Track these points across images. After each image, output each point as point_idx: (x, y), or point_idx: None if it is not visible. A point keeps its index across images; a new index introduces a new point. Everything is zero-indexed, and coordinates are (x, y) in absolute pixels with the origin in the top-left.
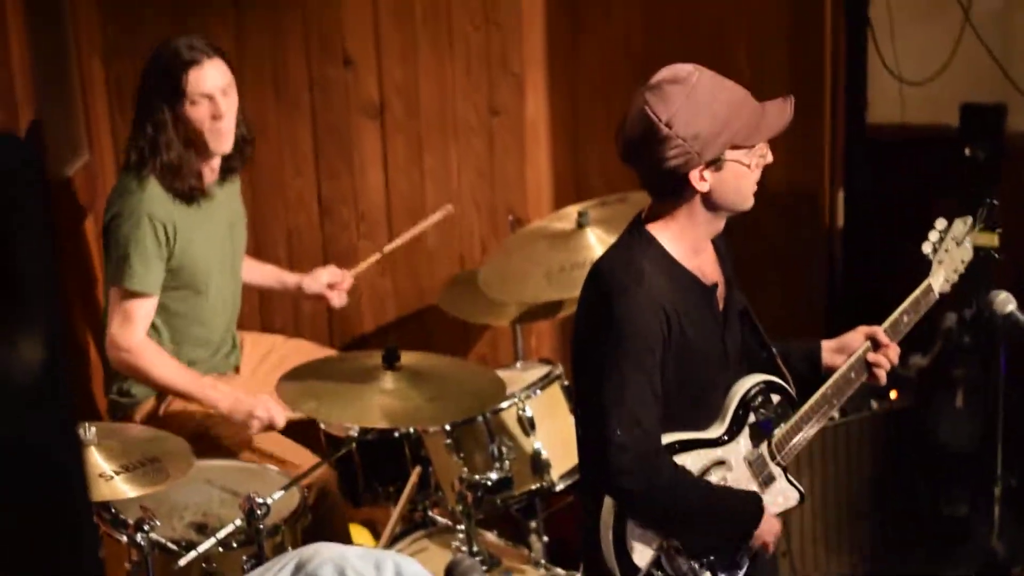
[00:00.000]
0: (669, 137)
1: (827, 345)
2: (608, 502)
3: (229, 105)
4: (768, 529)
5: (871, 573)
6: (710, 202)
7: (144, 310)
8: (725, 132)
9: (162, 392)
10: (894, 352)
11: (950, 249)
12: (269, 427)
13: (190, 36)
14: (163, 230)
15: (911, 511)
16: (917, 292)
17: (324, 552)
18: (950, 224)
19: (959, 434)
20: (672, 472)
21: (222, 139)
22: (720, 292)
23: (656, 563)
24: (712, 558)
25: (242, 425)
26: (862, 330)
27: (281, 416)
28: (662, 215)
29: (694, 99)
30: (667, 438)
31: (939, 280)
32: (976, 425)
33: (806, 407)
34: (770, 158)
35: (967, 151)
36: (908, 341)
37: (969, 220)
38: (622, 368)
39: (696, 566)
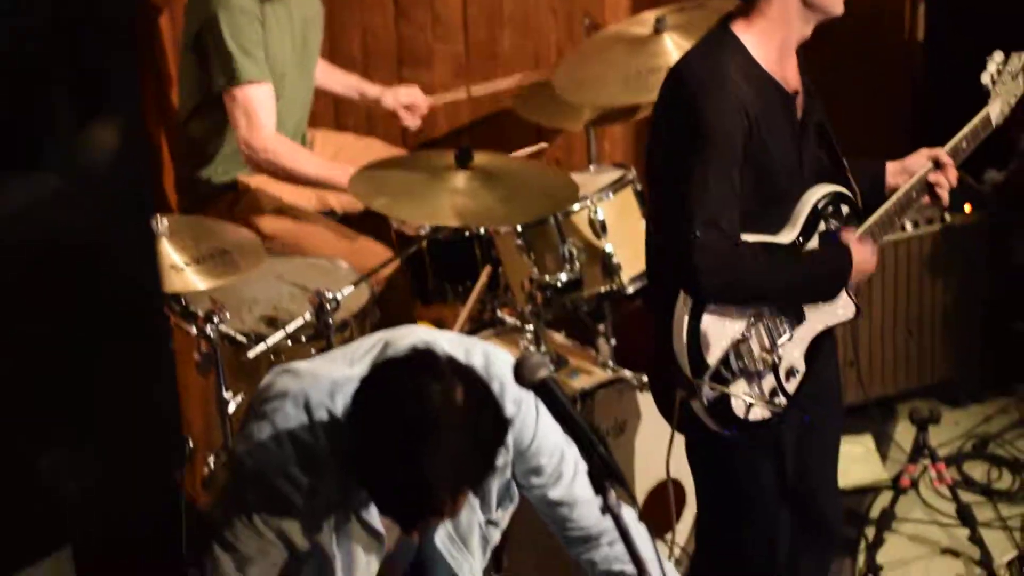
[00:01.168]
0: None
1: (891, 166)
2: (682, 299)
3: None
4: (865, 265)
5: (939, 387)
6: (804, 2)
7: (264, 101)
8: None
9: (302, 184)
10: (953, 174)
11: (1007, 82)
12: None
13: None
14: (257, 20)
15: (982, 325)
16: (975, 121)
17: (415, 333)
18: (1008, 57)
19: None
20: (754, 262)
21: None
22: (800, 101)
23: (724, 361)
24: (776, 357)
25: None
26: (924, 152)
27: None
28: (752, 13)
29: None
30: (741, 238)
31: (996, 110)
32: None
33: (870, 221)
34: None
35: None
36: (984, 156)
37: None
38: (704, 168)
39: (760, 367)
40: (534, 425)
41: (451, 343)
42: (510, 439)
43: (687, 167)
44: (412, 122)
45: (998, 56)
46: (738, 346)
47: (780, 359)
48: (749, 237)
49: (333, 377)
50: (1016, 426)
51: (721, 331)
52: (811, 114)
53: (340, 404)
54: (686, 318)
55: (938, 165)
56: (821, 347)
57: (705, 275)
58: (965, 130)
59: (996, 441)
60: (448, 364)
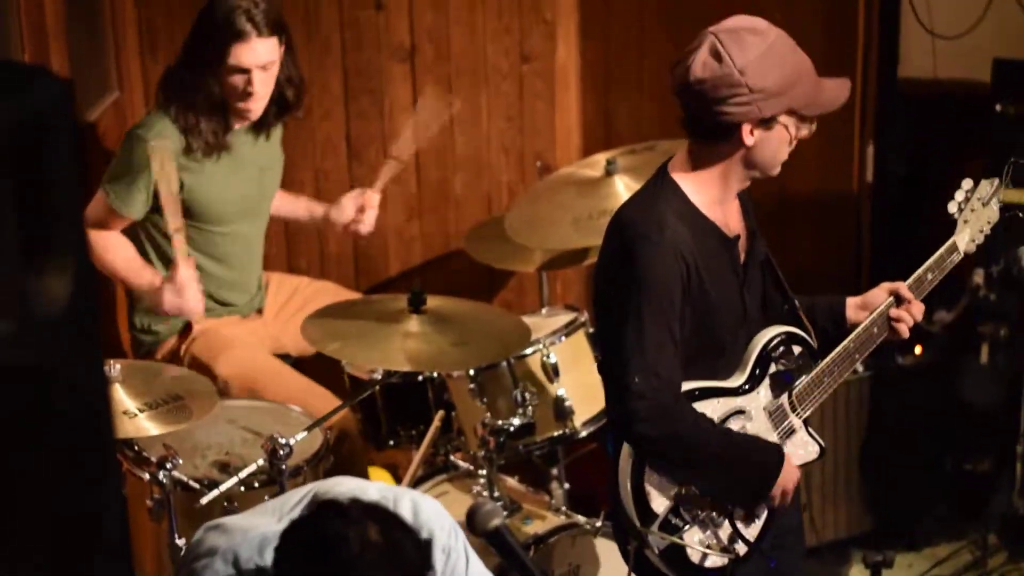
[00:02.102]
0: (739, 84)
1: (851, 301)
2: (626, 448)
3: (264, 80)
4: (789, 479)
5: (891, 529)
6: (747, 159)
7: (107, 218)
8: (788, 95)
9: (106, 275)
10: (917, 309)
11: (976, 209)
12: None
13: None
14: (160, 164)
15: (933, 468)
16: (941, 250)
17: (343, 483)
18: (976, 184)
19: (983, 391)
20: (692, 419)
21: (249, 111)
22: (742, 244)
23: (674, 510)
24: (730, 507)
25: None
26: (886, 286)
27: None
28: (694, 162)
29: (771, 54)
30: (687, 385)
31: (964, 239)
32: (1000, 382)
33: (828, 360)
34: (807, 135)
35: (998, 107)
36: (935, 296)
37: (996, 181)
38: (642, 316)
39: (714, 515)
40: (464, 573)
41: (379, 492)
42: None
43: (625, 314)
44: (367, 226)
45: (967, 183)
46: (686, 494)
47: (734, 505)
48: (696, 383)
49: (262, 532)
50: (970, 569)
51: (668, 479)
52: (754, 256)
53: (269, 559)
54: (630, 467)
55: (900, 300)
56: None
57: (641, 424)
58: (930, 261)
59: None
60: (360, 507)
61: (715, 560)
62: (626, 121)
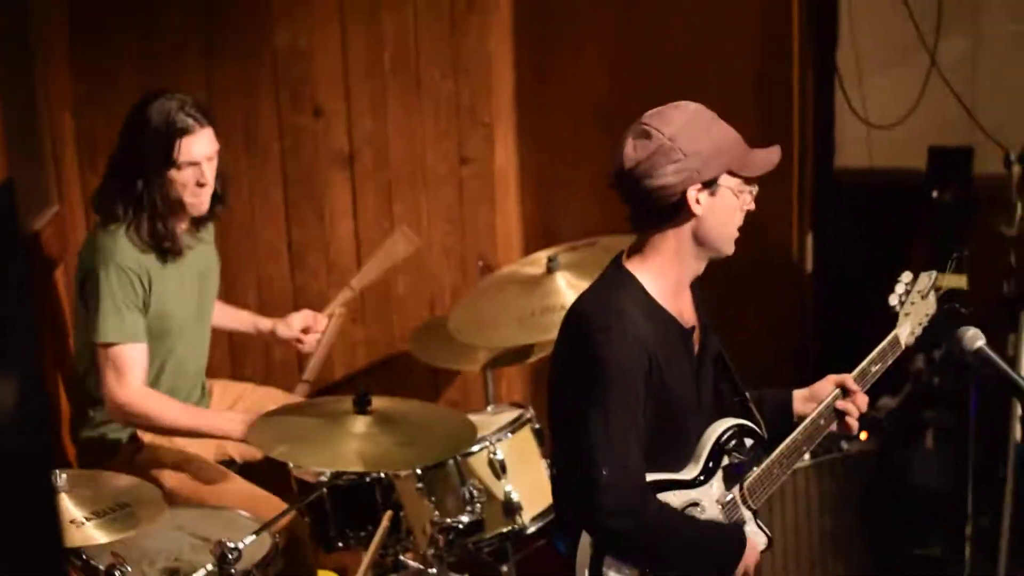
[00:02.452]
0: (673, 150)
1: (798, 394)
2: (584, 542)
3: (212, 170)
4: (751, 558)
5: None
6: (699, 233)
7: (135, 358)
8: (723, 155)
9: (172, 435)
10: (862, 400)
11: (916, 302)
12: None
13: (178, 96)
14: (139, 281)
15: (883, 552)
16: (884, 343)
17: None
18: (916, 277)
19: (930, 475)
20: (658, 509)
21: (201, 203)
22: (696, 336)
23: None
24: None
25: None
26: (831, 378)
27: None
28: (646, 250)
29: (695, 122)
30: (648, 477)
31: (905, 331)
32: (947, 466)
33: (777, 453)
34: (752, 205)
35: (935, 194)
36: (878, 382)
37: (934, 274)
38: (606, 406)
39: None
40: None
41: None
42: None
43: (589, 406)
44: (310, 346)
45: (906, 276)
46: None
47: None
48: (653, 476)
49: None
50: None
51: (626, 572)
52: (708, 348)
53: None
54: (589, 560)
55: (846, 392)
56: None
57: (611, 518)
58: (873, 354)
59: None
60: None
61: None
62: (566, 219)
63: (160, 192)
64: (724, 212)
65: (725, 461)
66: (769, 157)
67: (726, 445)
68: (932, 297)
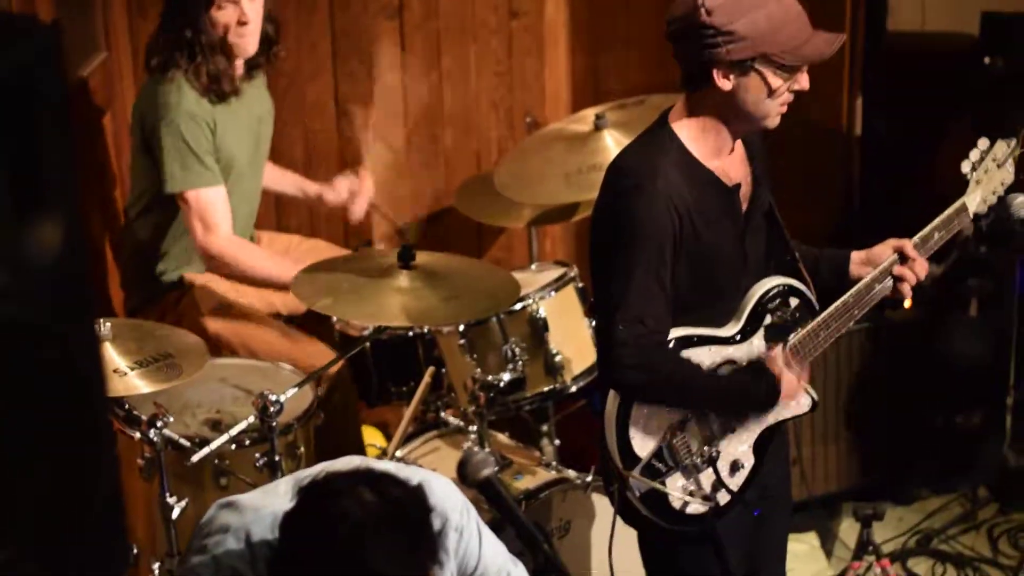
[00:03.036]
0: (705, 24)
1: (856, 256)
2: (612, 394)
3: (255, 9)
4: (789, 393)
5: (881, 483)
6: (730, 106)
7: (219, 205)
8: (761, 42)
9: (262, 286)
10: (921, 267)
11: (989, 169)
12: None
13: None
14: (207, 126)
15: (923, 422)
16: (951, 210)
17: (353, 464)
18: (992, 144)
19: (972, 345)
20: (674, 366)
21: (247, 42)
22: (744, 192)
23: (657, 454)
24: (715, 455)
25: None
26: (891, 243)
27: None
28: (688, 110)
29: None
30: (680, 331)
31: (975, 200)
32: (989, 336)
33: (825, 314)
34: (805, 85)
35: (987, 60)
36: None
37: (1013, 142)
38: (629, 264)
39: (698, 461)
40: (477, 550)
41: (391, 467)
42: (454, 565)
43: (614, 263)
44: (357, 214)
45: (982, 143)
46: (671, 440)
47: (719, 453)
48: (690, 330)
49: (274, 510)
50: (959, 522)
51: (653, 424)
52: (757, 206)
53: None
54: (616, 409)
55: (904, 258)
56: (772, 441)
57: (626, 371)
58: (937, 220)
59: (940, 537)
60: (342, 477)
61: (696, 507)
62: (615, 76)
63: (207, 34)
64: (756, 93)
65: (768, 320)
66: (821, 49)
67: (769, 304)
68: (1010, 166)
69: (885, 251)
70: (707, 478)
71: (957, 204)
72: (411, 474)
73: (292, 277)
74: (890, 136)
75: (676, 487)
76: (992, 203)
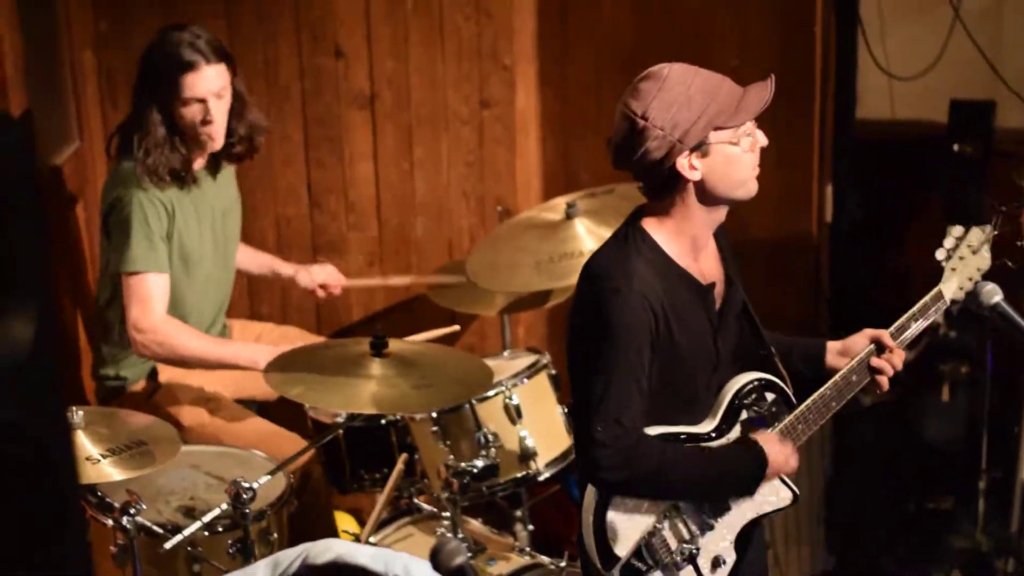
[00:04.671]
0: (647, 128)
1: (832, 346)
2: (590, 492)
3: (220, 108)
4: (780, 463)
5: (854, 568)
6: (704, 192)
7: (159, 288)
8: (703, 116)
9: (196, 366)
10: (899, 357)
11: (964, 256)
12: None
13: (193, 31)
14: (164, 210)
15: (896, 507)
16: (927, 298)
17: (335, 548)
18: (967, 231)
19: (944, 429)
20: (658, 456)
21: (211, 139)
22: (719, 291)
23: (637, 554)
24: (695, 549)
25: None
26: (867, 332)
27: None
28: (661, 211)
29: (667, 90)
30: (655, 430)
31: (952, 287)
32: (961, 419)
33: (803, 406)
34: (763, 140)
35: (956, 147)
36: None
37: (988, 228)
38: (607, 366)
39: (678, 559)
40: None
41: (371, 557)
42: None
43: (593, 364)
44: (325, 297)
45: (956, 230)
46: (650, 538)
47: (698, 550)
48: (665, 428)
49: None
50: None
51: (631, 523)
52: (731, 303)
53: None
54: (593, 509)
55: (881, 348)
56: (752, 535)
57: (604, 471)
58: (914, 308)
59: None
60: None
61: None
62: (585, 165)
63: (168, 123)
64: (725, 166)
65: (744, 415)
66: (759, 94)
67: (745, 399)
68: (985, 252)
69: (861, 341)
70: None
71: (933, 292)
72: (392, 561)
73: (228, 356)
74: (860, 223)
75: None
76: (968, 289)
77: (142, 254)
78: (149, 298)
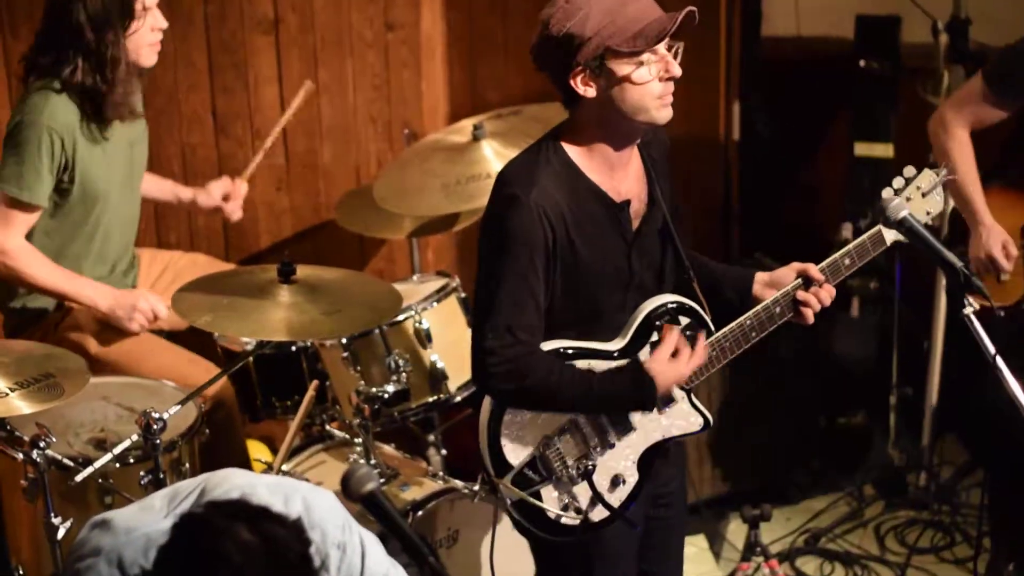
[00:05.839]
0: (547, 38)
1: (760, 277)
2: (486, 401)
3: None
4: (669, 380)
5: (768, 484)
6: (604, 112)
7: (25, 218)
8: (597, 36)
9: (40, 293)
10: (827, 293)
11: (913, 197)
12: (154, 319)
13: None
14: (60, 145)
15: (808, 422)
16: (865, 237)
17: (233, 479)
18: (918, 172)
19: (855, 345)
20: (545, 372)
21: (155, 52)
22: (636, 209)
23: (531, 464)
24: (591, 465)
25: (125, 322)
26: (795, 266)
27: (162, 306)
28: (574, 126)
29: (572, 3)
30: (557, 344)
31: (894, 231)
32: (871, 335)
33: (719, 334)
34: (676, 71)
35: (862, 63)
36: (805, 252)
37: (942, 171)
38: (499, 273)
39: (573, 473)
40: (360, 564)
41: (270, 489)
42: None
43: (486, 273)
44: (235, 213)
45: (908, 171)
46: (544, 451)
47: (594, 467)
48: (569, 343)
49: (146, 532)
50: (846, 520)
51: (526, 434)
52: (650, 223)
53: (153, 561)
54: (488, 416)
55: (808, 282)
56: (666, 456)
57: (494, 379)
58: (849, 247)
59: (827, 536)
60: (224, 511)
61: (569, 520)
62: (493, 87)
63: (117, 50)
64: (621, 90)
65: (655, 337)
66: (660, 25)
67: (656, 321)
68: (938, 195)
69: (789, 274)
70: (583, 492)
71: (872, 232)
72: (292, 494)
73: (74, 291)
74: (768, 140)
75: (549, 499)
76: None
77: (22, 178)
78: (13, 223)
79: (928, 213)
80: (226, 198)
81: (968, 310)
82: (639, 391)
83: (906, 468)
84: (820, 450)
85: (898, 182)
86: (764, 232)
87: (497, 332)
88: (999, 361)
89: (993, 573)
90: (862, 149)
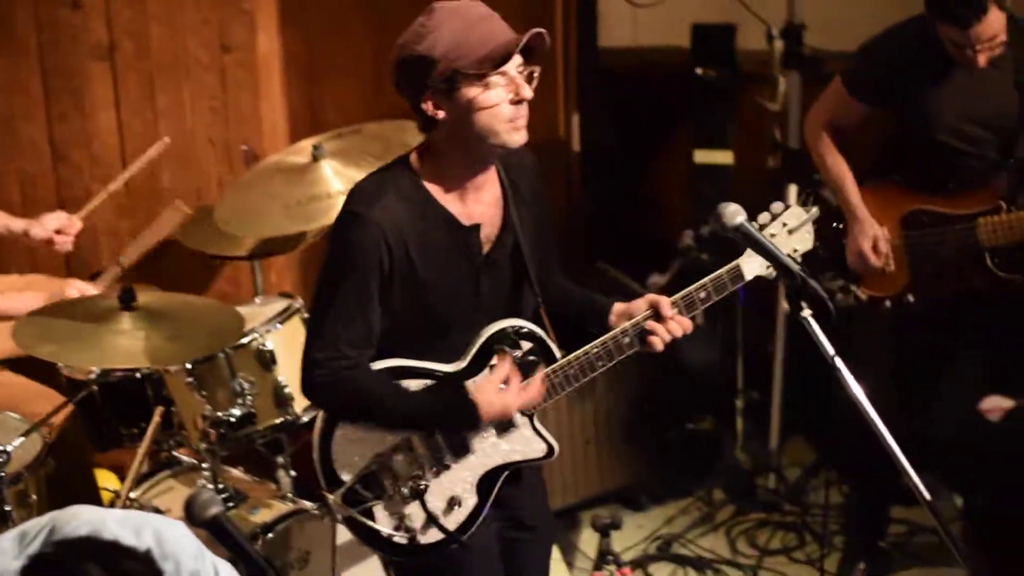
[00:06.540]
0: (400, 60)
1: (617, 307)
2: (320, 415)
3: None
4: (492, 406)
5: (619, 493)
6: (456, 135)
7: None
8: (445, 59)
9: None
10: (677, 326)
11: (777, 234)
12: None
13: None
14: None
15: (657, 429)
16: (723, 271)
17: (81, 515)
18: (786, 209)
19: (701, 352)
20: (369, 387)
21: None
22: (488, 234)
23: (362, 481)
24: (423, 485)
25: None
26: (648, 298)
27: (91, 288)
28: (428, 149)
29: (424, 26)
30: (391, 362)
31: (756, 265)
32: (717, 342)
33: (562, 362)
34: (527, 93)
35: (699, 71)
36: (648, 260)
37: (812, 210)
38: (332, 288)
39: (405, 492)
40: None
41: (121, 523)
42: None
43: (321, 286)
44: (65, 246)
45: (776, 207)
46: (376, 468)
47: (427, 487)
48: (406, 361)
49: None
50: (697, 525)
51: (357, 449)
52: (501, 248)
53: None
54: (319, 433)
55: (658, 315)
56: (518, 480)
57: (317, 390)
58: (705, 280)
59: (679, 541)
60: (75, 551)
61: (401, 539)
62: (332, 107)
63: None
64: (470, 112)
65: (495, 360)
66: (506, 47)
67: (495, 345)
68: (807, 232)
69: (642, 305)
70: (417, 512)
71: (731, 267)
72: (142, 526)
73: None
74: (609, 150)
75: (382, 517)
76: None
77: None
78: None
79: (796, 251)
80: (59, 232)
81: (806, 312)
82: (458, 416)
83: (755, 471)
84: (670, 456)
85: (763, 217)
86: (607, 241)
87: (324, 344)
88: (838, 362)
89: (845, 571)
90: (702, 156)
